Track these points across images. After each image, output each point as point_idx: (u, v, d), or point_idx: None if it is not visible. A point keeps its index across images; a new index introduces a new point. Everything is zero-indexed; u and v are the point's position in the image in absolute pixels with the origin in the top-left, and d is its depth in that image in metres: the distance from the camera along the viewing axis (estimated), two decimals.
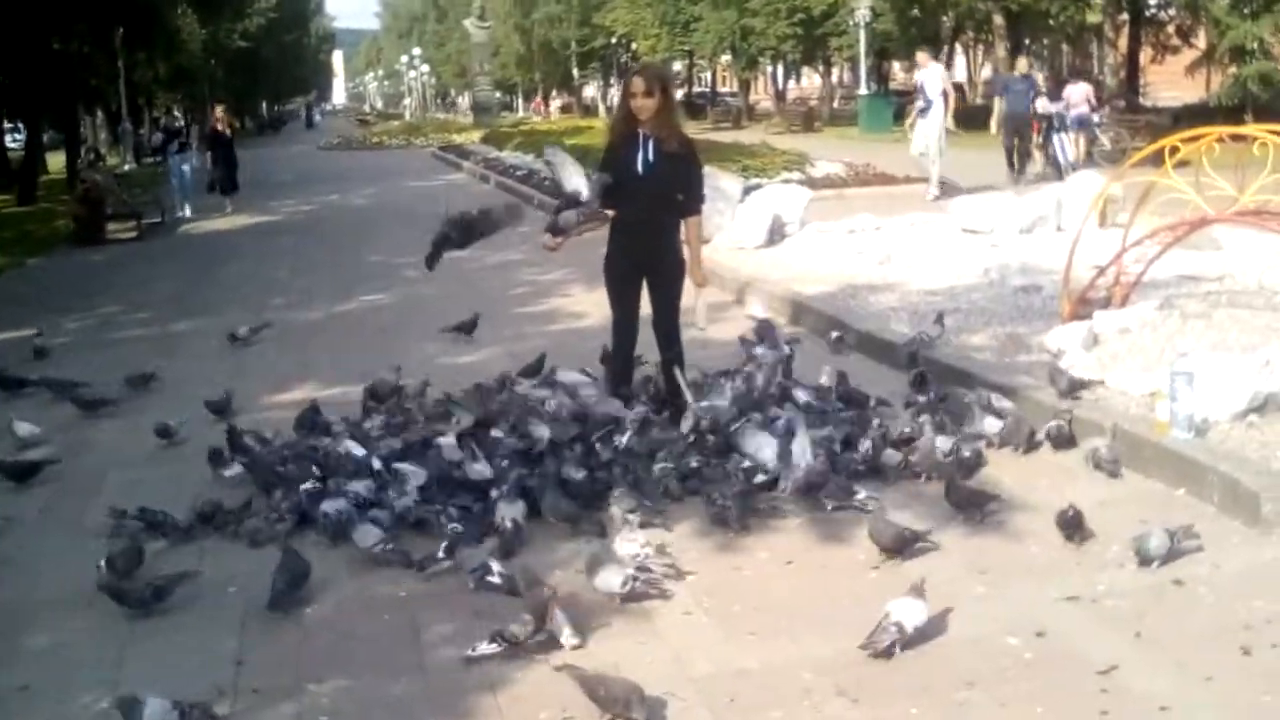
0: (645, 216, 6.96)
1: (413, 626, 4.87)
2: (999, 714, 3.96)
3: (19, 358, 10.49)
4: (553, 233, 7.15)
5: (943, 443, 6.25)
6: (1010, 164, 20.40)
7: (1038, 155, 21.61)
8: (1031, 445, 6.42)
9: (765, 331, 7.96)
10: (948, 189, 18.09)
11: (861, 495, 5.75)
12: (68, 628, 5.02)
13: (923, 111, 19.09)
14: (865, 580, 5.04)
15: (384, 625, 4.89)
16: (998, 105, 21.17)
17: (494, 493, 5.93)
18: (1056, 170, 20.40)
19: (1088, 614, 4.61)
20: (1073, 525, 5.18)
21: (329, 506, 5.79)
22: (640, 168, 6.89)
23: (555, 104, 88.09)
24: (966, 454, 6.12)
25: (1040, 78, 23.51)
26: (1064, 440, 6.34)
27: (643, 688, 4.03)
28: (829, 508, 5.70)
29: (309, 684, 4.44)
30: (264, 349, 10.57)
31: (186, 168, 24.67)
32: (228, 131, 26.22)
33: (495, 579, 5.01)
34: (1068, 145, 21.40)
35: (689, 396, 6.97)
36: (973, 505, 5.56)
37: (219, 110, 28.28)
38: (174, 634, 4.95)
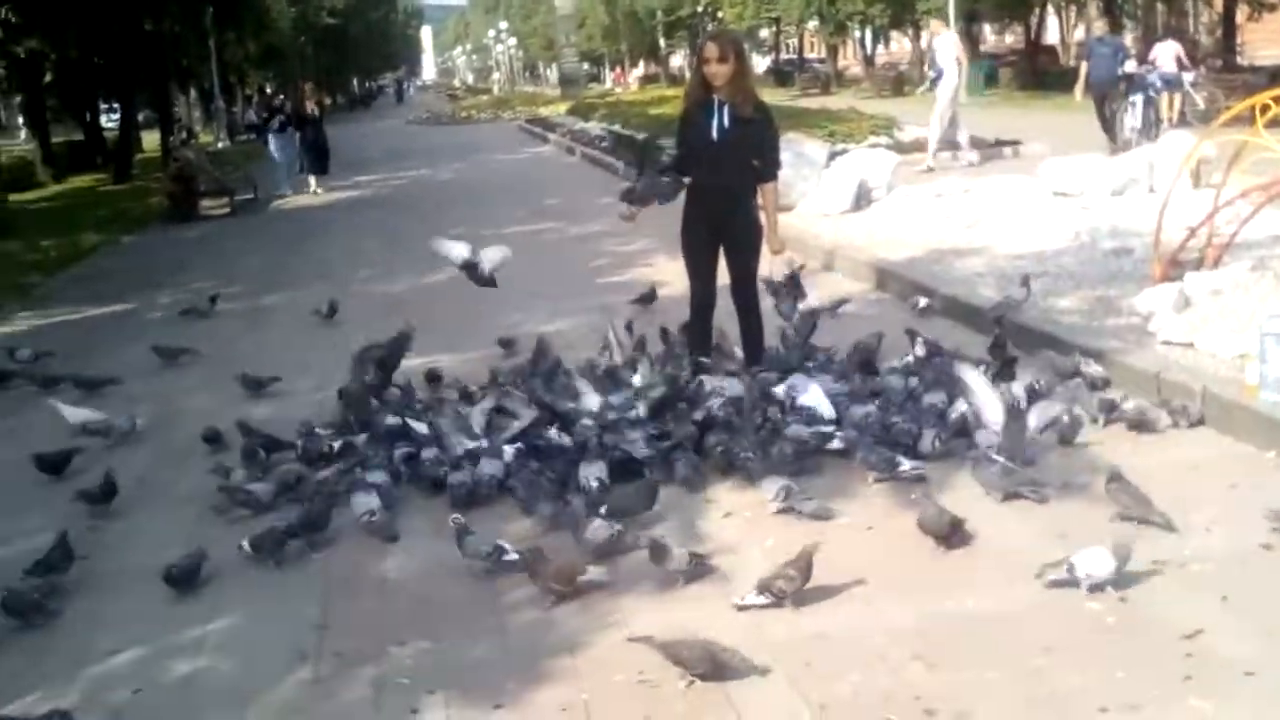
0: (720, 182, 6.94)
1: (492, 589, 4.91)
2: (1079, 679, 3.90)
3: (116, 330, 10.76)
4: (629, 202, 7.17)
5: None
6: (1107, 132, 19.55)
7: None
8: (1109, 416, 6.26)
9: (779, 287, 7.95)
10: (955, 156, 18.01)
11: (906, 466, 5.66)
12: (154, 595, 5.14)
13: (934, 81, 18.81)
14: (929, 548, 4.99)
15: (464, 588, 4.94)
16: (1083, 70, 20.47)
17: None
18: (1139, 134, 19.28)
19: (1173, 578, 4.53)
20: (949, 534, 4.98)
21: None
22: (715, 134, 6.88)
23: (635, 74, 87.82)
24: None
25: (1130, 39, 22.27)
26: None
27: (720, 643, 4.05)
28: (870, 480, 5.67)
29: (390, 646, 4.51)
30: (354, 318, 10.70)
31: (291, 148, 24.00)
32: (315, 110, 25.30)
33: (512, 556, 4.97)
34: (1137, 110, 19.82)
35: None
36: None
37: (306, 88, 27.96)
38: (257, 598, 5.05)
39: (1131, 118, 19.28)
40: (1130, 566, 4.48)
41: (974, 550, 4.92)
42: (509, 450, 6.14)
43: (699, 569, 4.85)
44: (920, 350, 7.25)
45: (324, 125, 25.06)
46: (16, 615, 4.93)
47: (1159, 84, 21.45)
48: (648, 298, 9.72)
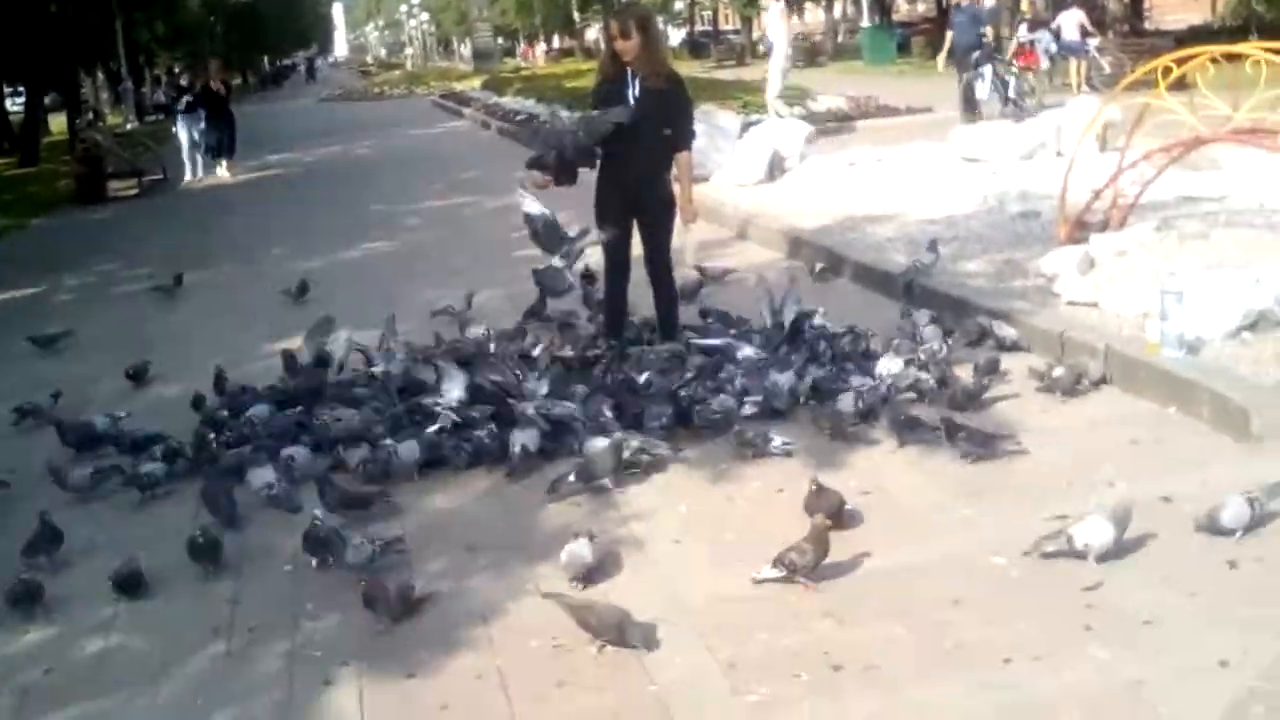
0: (634, 154, 6.92)
1: (404, 562, 4.90)
2: (983, 631, 3.98)
3: (22, 314, 10.57)
4: (541, 170, 7.13)
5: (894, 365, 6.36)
6: (965, 102, 18.85)
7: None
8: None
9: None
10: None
11: (777, 442, 5.68)
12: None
13: (768, 53, 19.17)
14: (854, 504, 5.05)
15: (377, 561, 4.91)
16: (948, 38, 19.81)
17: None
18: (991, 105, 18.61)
19: None
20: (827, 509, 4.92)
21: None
22: (630, 103, 6.88)
23: (540, 49, 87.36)
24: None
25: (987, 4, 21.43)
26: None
27: (631, 613, 4.08)
28: (749, 455, 5.68)
29: (303, 620, 4.50)
30: (262, 298, 10.59)
31: (196, 130, 22.29)
32: (222, 89, 23.50)
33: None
34: (986, 81, 18.75)
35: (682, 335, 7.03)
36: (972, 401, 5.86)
37: (213, 66, 26.50)
38: (169, 575, 4.99)
39: (981, 88, 18.62)
40: (1033, 522, 4.58)
41: (884, 509, 4.99)
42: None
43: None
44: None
45: (231, 105, 23.62)
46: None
47: (1053, 49, 21.53)
48: (537, 311, 8.78)
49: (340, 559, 4.76)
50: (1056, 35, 24.15)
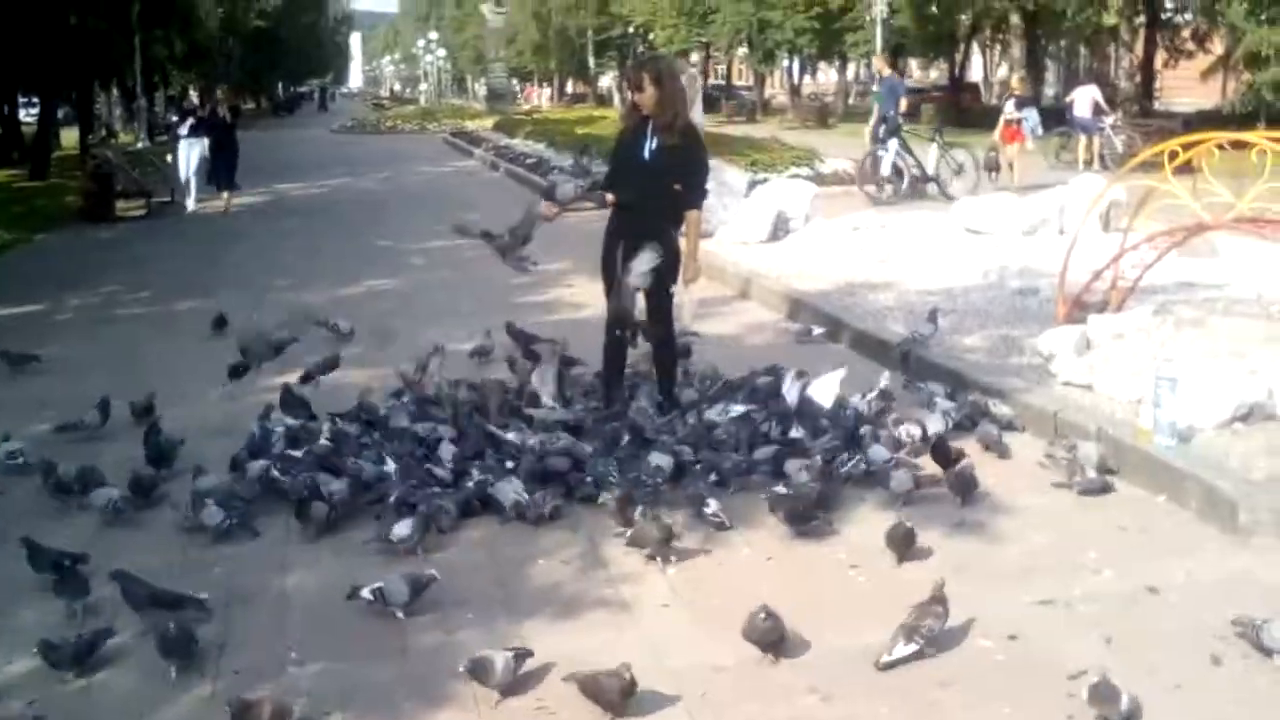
0: (642, 203, 6.98)
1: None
2: (968, 715, 4.00)
3: (22, 332, 10.60)
4: (548, 200, 7.26)
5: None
6: (861, 174, 18.95)
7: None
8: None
9: None
10: None
11: (712, 508, 5.63)
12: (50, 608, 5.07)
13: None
14: (844, 578, 5.09)
15: (364, 608, 4.91)
16: (874, 111, 19.87)
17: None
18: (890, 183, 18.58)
19: (1061, 618, 4.65)
20: (903, 544, 5.16)
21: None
22: (644, 155, 6.97)
23: (545, 91, 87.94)
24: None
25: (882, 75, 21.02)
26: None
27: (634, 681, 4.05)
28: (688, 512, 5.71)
29: (289, 666, 4.50)
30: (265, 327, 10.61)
31: (195, 154, 21.17)
32: (227, 115, 22.77)
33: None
34: (888, 158, 18.65)
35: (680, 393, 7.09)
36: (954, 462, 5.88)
37: (220, 91, 26.33)
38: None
39: (884, 163, 18.63)
40: (1018, 605, 4.60)
41: (871, 583, 5.02)
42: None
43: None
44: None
45: (237, 131, 22.61)
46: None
47: (1039, 130, 21.30)
48: (484, 350, 9.16)
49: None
50: (1069, 110, 24.38)
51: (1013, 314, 9.39)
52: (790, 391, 6.98)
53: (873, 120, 19.56)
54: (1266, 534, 5.26)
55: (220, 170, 21.30)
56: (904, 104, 19.66)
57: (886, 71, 20.81)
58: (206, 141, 21.15)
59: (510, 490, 5.82)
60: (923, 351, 8.24)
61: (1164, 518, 5.53)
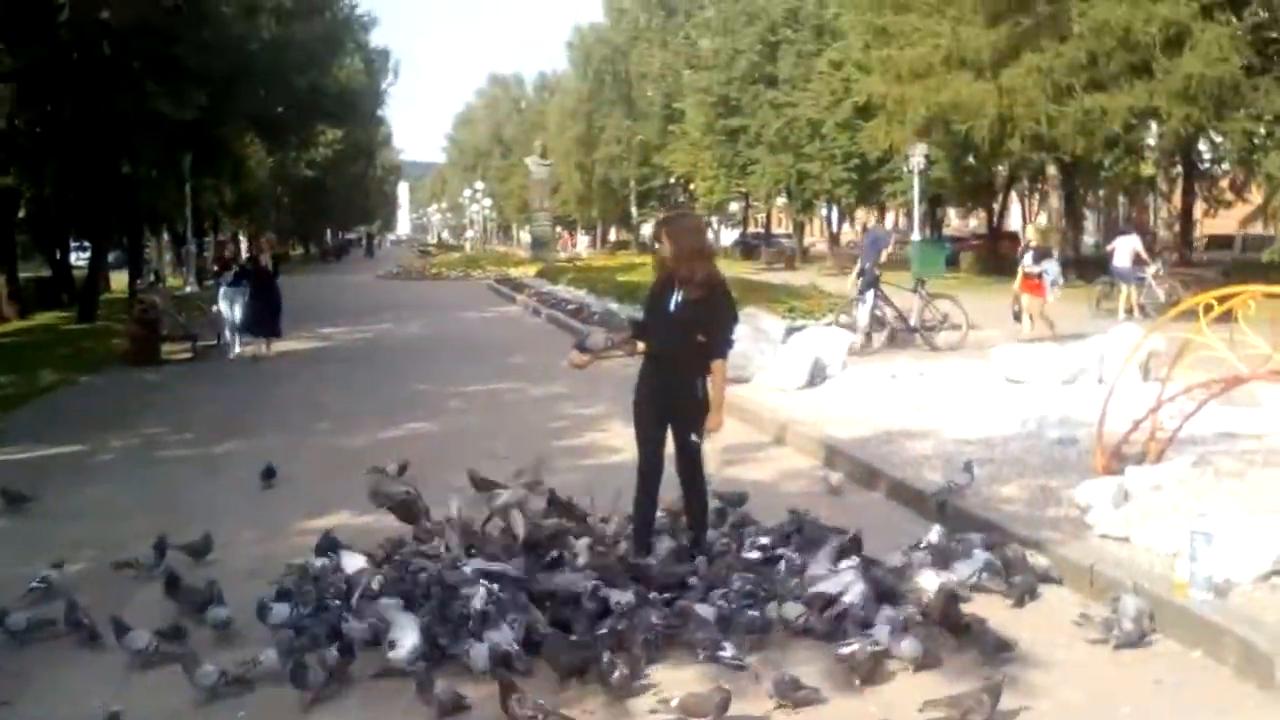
0: (669, 355, 7.15)
1: None
2: None
3: (64, 471, 10.72)
4: (580, 350, 7.45)
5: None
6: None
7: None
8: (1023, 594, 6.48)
9: None
10: None
11: (729, 652, 5.66)
12: None
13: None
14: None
15: None
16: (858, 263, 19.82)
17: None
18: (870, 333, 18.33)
19: None
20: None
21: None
22: (670, 307, 7.10)
23: (584, 239, 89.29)
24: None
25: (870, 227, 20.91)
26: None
27: None
28: (699, 656, 5.70)
29: None
30: (304, 469, 10.70)
31: (238, 303, 20.97)
32: (270, 263, 22.29)
33: None
34: (866, 307, 18.53)
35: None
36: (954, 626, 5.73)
37: (264, 239, 25.51)
38: None
39: (861, 313, 18.55)
40: None
41: None
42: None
43: None
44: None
45: (278, 278, 22.28)
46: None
47: (1061, 280, 20.97)
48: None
49: None
50: (1109, 259, 24.47)
51: (1050, 464, 9.32)
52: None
53: (854, 272, 19.71)
54: None
55: (263, 318, 21.13)
56: (885, 255, 19.97)
57: (871, 222, 20.93)
58: (248, 289, 21.02)
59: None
60: (959, 501, 8.19)
61: (1199, 673, 5.43)
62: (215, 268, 23.68)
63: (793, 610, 6.12)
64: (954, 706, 4.65)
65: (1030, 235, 24.03)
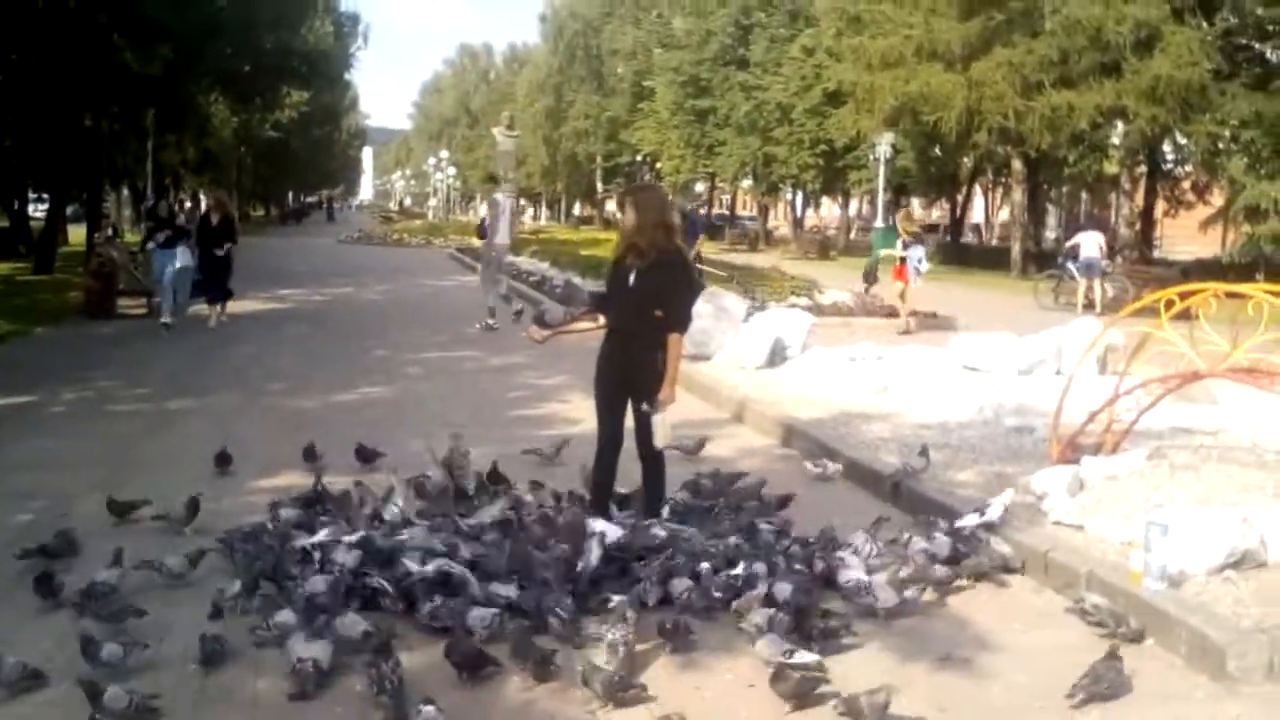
0: (627, 327, 7.10)
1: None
2: None
3: (14, 422, 10.57)
4: (539, 325, 7.41)
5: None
6: None
7: None
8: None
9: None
10: None
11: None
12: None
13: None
14: (825, 711, 4.98)
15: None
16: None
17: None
18: None
19: None
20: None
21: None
22: (631, 280, 7.05)
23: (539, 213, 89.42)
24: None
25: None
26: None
27: None
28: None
29: None
30: (255, 430, 10.58)
31: (171, 267, 18.68)
32: (216, 222, 19.68)
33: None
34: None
35: (664, 511, 7.05)
36: None
37: (213, 195, 23.20)
38: None
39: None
40: None
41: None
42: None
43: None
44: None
45: (231, 244, 19.62)
46: None
47: (923, 267, 20.94)
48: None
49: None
50: (1072, 255, 24.70)
51: (1007, 451, 9.35)
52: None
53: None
54: (1256, 682, 5.18)
55: (212, 281, 19.31)
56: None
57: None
58: (187, 252, 18.97)
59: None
60: (914, 485, 8.20)
61: (1151, 662, 5.43)
62: (149, 225, 20.75)
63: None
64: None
65: (900, 221, 24.27)
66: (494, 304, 19.89)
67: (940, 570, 6.40)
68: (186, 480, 8.29)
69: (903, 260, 19.89)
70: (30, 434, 10.44)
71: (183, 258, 18.83)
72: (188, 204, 28.68)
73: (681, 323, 7.19)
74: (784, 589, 5.87)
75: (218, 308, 19.28)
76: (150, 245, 19.70)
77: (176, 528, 7.26)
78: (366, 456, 9.10)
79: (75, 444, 9.96)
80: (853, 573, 6.25)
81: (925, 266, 21.24)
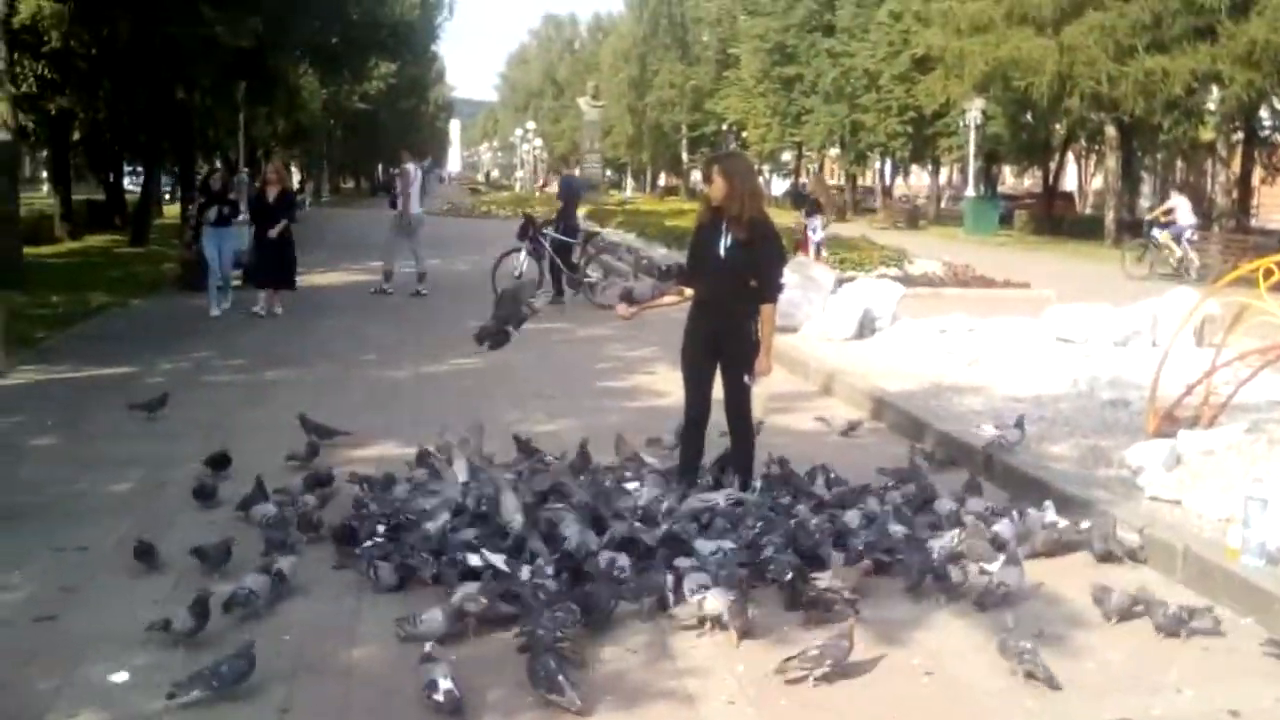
0: (718, 298, 7.09)
1: (463, 688, 4.84)
2: None
3: (114, 391, 10.83)
4: (627, 302, 7.39)
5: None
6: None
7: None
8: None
9: None
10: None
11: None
12: (125, 662, 5.08)
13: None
14: (917, 685, 4.96)
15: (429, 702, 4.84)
16: None
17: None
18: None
19: None
20: None
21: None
22: (720, 250, 7.01)
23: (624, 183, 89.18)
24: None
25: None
26: None
27: None
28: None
29: None
30: (347, 402, 10.72)
31: (227, 248, 17.66)
32: (277, 197, 17.60)
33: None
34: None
35: (756, 482, 7.04)
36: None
37: (270, 166, 20.78)
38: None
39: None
40: None
41: (945, 693, 4.89)
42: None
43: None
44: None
45: (290, 220, 17.79)
46: None
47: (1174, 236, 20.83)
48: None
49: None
50: (1165, 222, 24.33)
51: (1101, 425, 9.20)
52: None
53: None
54: None
55: (269, 266, 17.53)
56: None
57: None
58: (243, 232, 18.15)
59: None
60: (1007, 457, 8.11)
61: (1250, 640, 5.35)
62: (200, 202, 18.58)
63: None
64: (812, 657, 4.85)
65: (812, 186, 23.76)
66: (391, 268, 20.74)
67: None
68: (285, 449, 8.44)
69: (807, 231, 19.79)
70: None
71: (238, 238, 17.93)
72: (219, 168, 24.84)
73: (774, 293, 7.18)
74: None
75: (266, 293, 17.35)
76: (207, 219, 17.69)
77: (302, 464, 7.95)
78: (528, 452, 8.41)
79: (173, 413, 10.15)
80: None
81: (819, 235, 21.27)
